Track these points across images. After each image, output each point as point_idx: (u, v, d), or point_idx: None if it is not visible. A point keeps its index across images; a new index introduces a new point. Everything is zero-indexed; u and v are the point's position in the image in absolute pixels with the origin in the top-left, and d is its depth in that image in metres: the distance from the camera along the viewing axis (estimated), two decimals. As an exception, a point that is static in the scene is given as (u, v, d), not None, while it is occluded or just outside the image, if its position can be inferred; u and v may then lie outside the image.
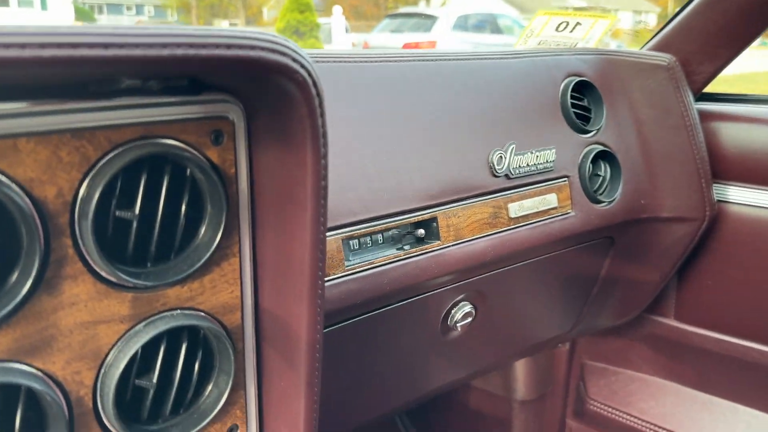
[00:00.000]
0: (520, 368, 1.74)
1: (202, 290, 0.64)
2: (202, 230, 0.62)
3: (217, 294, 0.65)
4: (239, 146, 0.63)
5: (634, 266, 1.50)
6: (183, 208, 0.60)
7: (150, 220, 0.58)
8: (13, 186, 0.50)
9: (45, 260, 0.53)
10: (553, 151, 1.26)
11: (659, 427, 1.57)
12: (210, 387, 0.67)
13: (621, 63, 1.41)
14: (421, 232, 1.05)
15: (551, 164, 1.25)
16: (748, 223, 1.44)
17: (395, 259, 1.02)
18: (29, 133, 0.50)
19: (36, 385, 0.53)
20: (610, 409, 1.67)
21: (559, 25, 1.46)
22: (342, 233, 0.95)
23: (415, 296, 1.10)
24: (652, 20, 33.37)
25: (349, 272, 0.96)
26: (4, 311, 0.51)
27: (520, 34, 1.62)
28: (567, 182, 1.28)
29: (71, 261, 0.54)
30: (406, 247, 1.04)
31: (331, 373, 1.02)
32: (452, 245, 1.09)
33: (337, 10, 16.58)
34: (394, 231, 1.03)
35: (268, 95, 0.59)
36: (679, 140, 1.41)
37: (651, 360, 1.67)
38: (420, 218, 1.05)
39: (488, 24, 13.18)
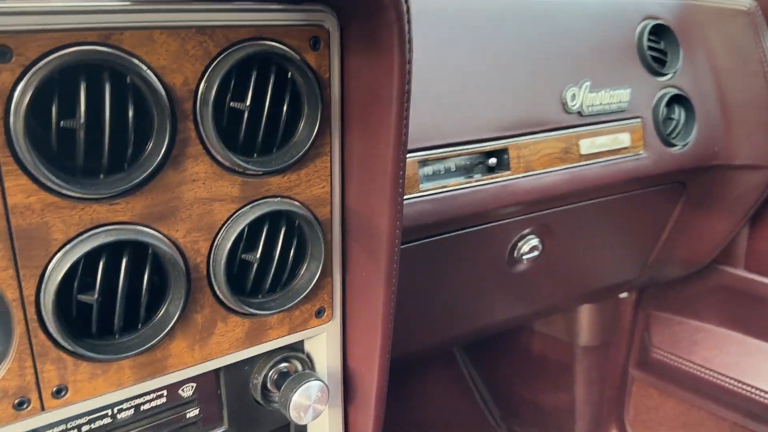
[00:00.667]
0: (585, 314, 1.78)
1: (298, 182, 0.72)
2: (300, 128, 0.70)
3: (311, 187, 0.73)
4: (333, 52, 0.70)
5: (705, 214, 1.51)
6: (285, 107, 0.69)
7: (257, 114, 0.67)
8: (150, 72, 0.59)
9: (172, 138, 0.62)
10: (628, 91, 1.28)
11: (723, 376, 1.59)
12: (303, 270, 0.76)
13: (700, 8, 1.40)
14: (493, 161, 1.11)
15: (625, 104, 1.27)
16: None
17: (467, 185, 1.08)
18: (162, 27, 0.59)
19: (164, 247, 0.63)
20: (673, 358, 1.69)
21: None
22: (418, 156, 1.02)
23: (484, 224, 1.16)
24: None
25: (424, 194, 1.04)
26: (139, 179, 0.60)
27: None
28: (640, 123, 1.30)
29: (193, 143, 0.64)
30: (477, 176, 1.10)
31: (401, 292, 1.10)
32: (522, 176, 1.14)
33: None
34: (466, 160, 1.09)
35: (359, 3, 0.66)
36: (757, 87, 1.40)
37: (718, 310, 1.67)
38: (492, 148, 1.10)
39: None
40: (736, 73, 1.39)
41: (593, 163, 1.24)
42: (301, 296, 0.75)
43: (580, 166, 1.22)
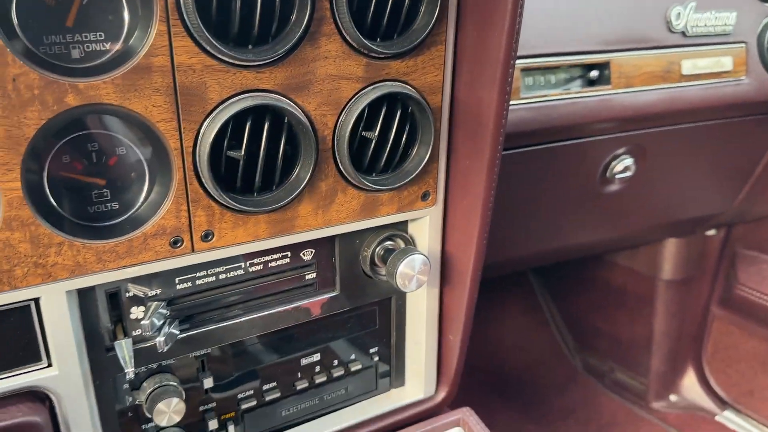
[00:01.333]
0: (670, 248, 1.79)
1: (415, 68, 0.78)
2: (420, 15, 0.76)
3: (426, 75, 0.79)
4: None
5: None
6: (407, -5, 0.74)
7: (383, 1, 0.73)
8: None
9: (311, 16, 0.69)
10: (734, 14, 1.26)
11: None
12: (413, 154, 0.83)
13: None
14: (594, 74, 1.13)
15: (730, 27, 1.26)
16: None
17: (566, 96, 1.12)
18: None
19: (299, 116, 0.71)
20: (759, 295, 1.69)
21: None
22: (522, 64, 1.06)
23: (581, 138, 1.19)
24: None
25: (525, 101, 1.08)
26: (283, 50, 0.68)
27: None
28: (744, 48, 1.29)
29: (327, 21, 0.71)
30: (577, 88, 1.13)
31: (495, 197, 1.15)
32: (622, 92, 1.17)
33: None
34: (567, 73, 1.12)
35: None
36: None
37: (811, 250, 1.65)
38: (593, 61, 1.13)
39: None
40: None
41: (693, 85, 1.24)
42: (410, 177, 0.82)
43: (680, 86, 1.23)
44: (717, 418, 1.85)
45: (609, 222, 1.45)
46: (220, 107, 0.68)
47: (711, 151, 1.43)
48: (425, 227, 0.90)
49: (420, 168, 0.83)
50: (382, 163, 0.81)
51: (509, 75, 0.78)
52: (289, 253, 0.83)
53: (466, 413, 0.97)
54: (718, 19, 1.24)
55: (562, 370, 2.07)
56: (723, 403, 1.87)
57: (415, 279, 0.84)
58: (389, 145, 0.80)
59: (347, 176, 0.78)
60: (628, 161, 1.29)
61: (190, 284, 0.77)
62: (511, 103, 1.06)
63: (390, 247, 0.88)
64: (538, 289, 2.17)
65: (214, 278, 0.78)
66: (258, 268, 0.81)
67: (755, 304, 1.71)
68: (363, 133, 0.78)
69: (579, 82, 1.14)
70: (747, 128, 1.40)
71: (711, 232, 1.79)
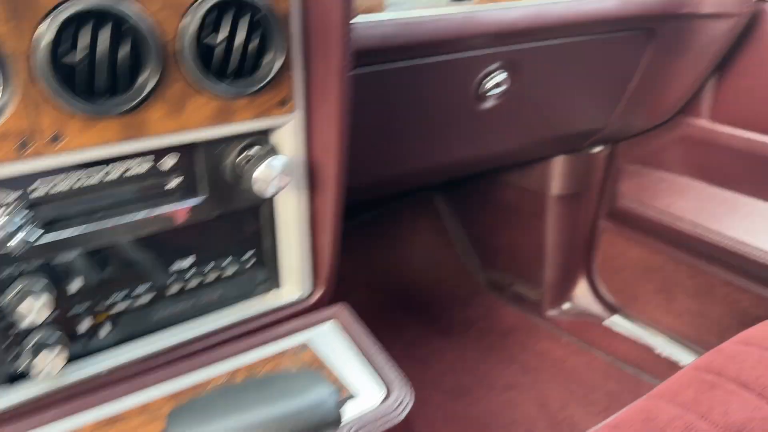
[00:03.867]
0: (558, 165, 1.90)
1: (259, -25, 0.81)
2: None
3: (271, -19, 0.83)
4: None
5: (672, 63, 1.58)
6: None
7: None
8: None
9: None
10: (594, -69, 1.33)
11: (680, 218, 1.71)
12: (265, 61, 0.86)
13: None
14: (458, -10, 1.18)
15: (592, -56, 1.33)
16: (789, 22, 1.48)
17: (430, 14, 1.17)
18: None
19: (142, 18, 0.73)
20: (637, 206, 1.82)
21: None
22: (384, -21, 1.10)
23: (451, 54, 1.25)
24: None
25: (389, 17, 1.12)
26: None
27: None
28: (607, -35, 1.36)
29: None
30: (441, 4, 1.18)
31: (367, 116, 1.20)
32: (487, 9, 1.22)
33: None
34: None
35: None
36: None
37: (683, 160, 1.78)
38: (457, -23, 1.18)
39: None
40: None
41: (558, 1, 1.31)
42: (264, 83, 0.86)
43: (546, 4, 1.29)
44: (604, 322, 2.00)
45: (490, 138, 1.53)
46: (55, 11, 0.70)
47: (584, 68, 1.51)
48: (287, 135, 0.95)
49: (273, 73, 0.86)
50: (234, 69, 0.85)
51: (350, -19, 0.82)
52: (152, 160, 0.86)
53: (340, 308, 1.04)
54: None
55: (467, 286, 2.19)
56: (611, 309, 2.03)
57: (273, 184, 0.89)
58: (239, 52, 0.83)
59: (197, 81, 0.82)
60: (502, 76, 1.36)
61: (47, 189, 0.80)
62: (374, 19, 1.11)
63: (251, 154, 0.93)
64: (444, 212, 2.27)
65: (73, 183, 0.81)
66: (119, 172, 0.84)
67: (635, 215, 1.84)
68: (206, 41, 0.81)
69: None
70: (618, 44, 1.49)
71: (597, 150, 1.90)
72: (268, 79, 0.86)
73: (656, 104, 1.68)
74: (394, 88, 1.24)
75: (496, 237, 2.16)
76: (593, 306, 2.06)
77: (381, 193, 1.81)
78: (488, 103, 1.40)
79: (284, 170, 0.89)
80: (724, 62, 1.60)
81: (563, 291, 2.08)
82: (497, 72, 1.36)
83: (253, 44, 0.84)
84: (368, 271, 2.15)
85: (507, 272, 2.16)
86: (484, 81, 1.36)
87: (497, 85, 1.37)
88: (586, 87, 1.56)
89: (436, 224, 2.27)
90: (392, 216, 2.26)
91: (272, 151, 0.95)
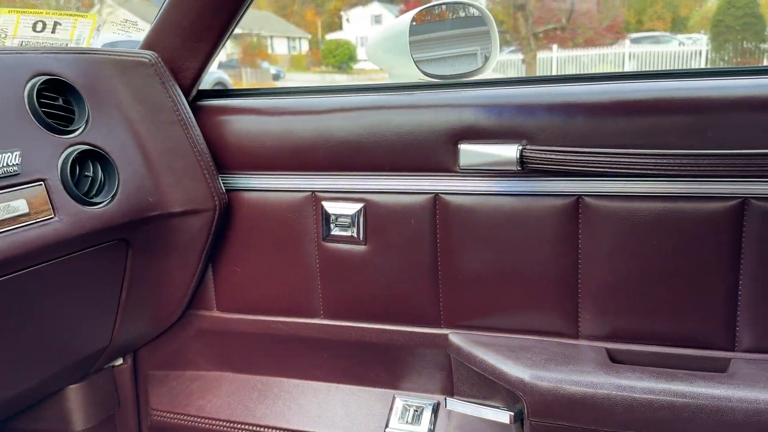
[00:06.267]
0: (74, 395, 1.61)
1: None
2: None
3: None
4: None
5: (160, 265, 1.49)
6: None
7: None
8: None
9: None
10: (17, 154, 1.16)
11: (215, 420, 1.60)
12: None
13: (103, 62, 1.38)
14: None
15: (14, 167, 1.16)
16: (258, 207, 1.54)
17: None
18: None
19: None
20: (171, 416, 1.65)
21: (36, 24, 1.38)
22: None
23: None
24: (305, 46, 35.80)
25: None
26: None
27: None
28: (42, 186, 1.20)
29: None
30: None
31: None
32: None
33: None
34: None
35: None
36: (175, 135, 1.43)
37: (205, 355, 1.69)
38: None
39: None
40: (151, 123, 1.40)
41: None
42: None
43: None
44: None
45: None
46: None
47: (66, 293, 1.31)
48: None
49: None
50: None
51: None
52: None
53: None
54: (-5, 163, 1.13)
55: None
56: None
57: None
58: None
59: None
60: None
61: None
62: None
63: None
64: None
65: None
66: None
67: (173, 426, 1.66)
68: None
69: None
70: (91, 261, 1.32)
71: (117, 363, 1.69)
72: None
73: (158, 307, 1.56)
74: None
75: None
76: None
77: None
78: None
79: None
80: (215, 253, 1.59)
81: None
82: None
83: None
84: None
85: None
86: None
87: None
88: (77, 309, 1.36)
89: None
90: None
91: None
